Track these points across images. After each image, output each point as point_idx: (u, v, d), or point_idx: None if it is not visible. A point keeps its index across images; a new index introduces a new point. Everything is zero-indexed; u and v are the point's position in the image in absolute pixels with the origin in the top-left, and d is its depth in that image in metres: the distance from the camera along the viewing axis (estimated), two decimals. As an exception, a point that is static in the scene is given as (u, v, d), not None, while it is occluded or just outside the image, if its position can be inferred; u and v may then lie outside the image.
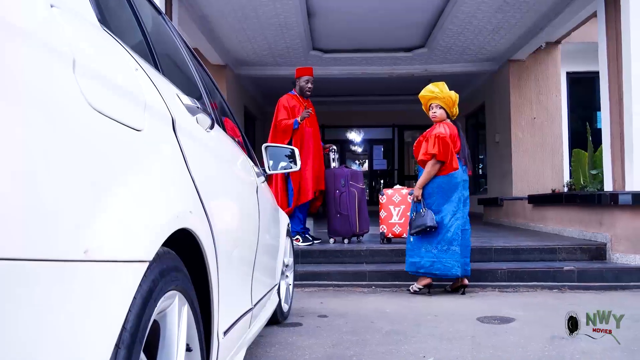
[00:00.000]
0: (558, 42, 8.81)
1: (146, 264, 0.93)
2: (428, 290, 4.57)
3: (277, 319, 3.43)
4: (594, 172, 7.07)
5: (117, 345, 0.82)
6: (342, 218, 5.99)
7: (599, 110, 6.71)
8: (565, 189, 8.34)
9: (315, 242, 6.07)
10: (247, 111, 11.49)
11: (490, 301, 4.39)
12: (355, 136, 16.35)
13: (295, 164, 3.12)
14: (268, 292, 2.73)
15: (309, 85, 6.04)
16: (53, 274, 0.71)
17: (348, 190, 5.95)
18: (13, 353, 0.63)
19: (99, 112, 0.89)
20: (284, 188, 5.87)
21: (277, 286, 3.16)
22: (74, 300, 0.75)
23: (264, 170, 2.90)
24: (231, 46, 8.85)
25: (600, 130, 6.61)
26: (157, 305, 0.98)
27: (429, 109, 4.59)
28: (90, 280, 0.79)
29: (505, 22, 7.85)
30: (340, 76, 10.27)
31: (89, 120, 0.86)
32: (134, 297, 0.88)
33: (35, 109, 0.74)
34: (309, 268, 5.30)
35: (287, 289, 3.69)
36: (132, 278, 0.89)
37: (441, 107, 4.53)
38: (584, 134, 7.96)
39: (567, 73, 9.73)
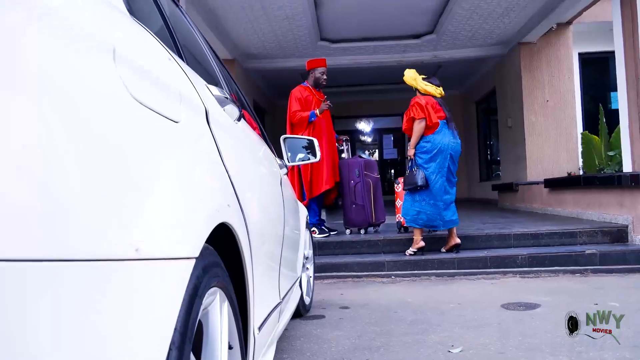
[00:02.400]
0: (569, 22, 8.68)
1: (193, 261, 0.90)
2: (422, 253, 5.20)
3: (300, 311, 3.41)
4: (611, 153, 6.99)
5: (169, 347, 0.78)
6: (358, 208, 5.95)
7: (613, 90, 6.61)
8: (581, 172, 8.25)
9: (331, 233, 6.04)
10: (256, 105, 11.45)
11: (512, 287, 4.34)
12: (364, 126, 16.26)
13: (314, 155, 3.07)
14: (292, 286, 2.70)
15: (324, 76, 6.02)
16: (107, 274, 0.67)
17: (363, 180, 5.91)
18: (73, 354, 0.59)
19: (141, 104, 0.85)
20: (300, 180, 5.83)
21: (299, 279, 3.13)
22: (128, 300, 0.71)
23: (284, 162, 2.86)
24: (239, 40, 8.80)
25: (615, 110, 6.51)
26: (202, 303, 0.95)
27: None
28: (142, 279, 0.76)
29: (515, 4, 7.73)
30: (348, 66, 10.19)
31: (132, 113, 0.83)
32: (183, 296, 0.85)
33: (82, 103, 0.70)
34: (327, 260, 5.27)
35: (308, 281, 3.66)
36: (181, 276, 0.86)
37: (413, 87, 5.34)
38: (598, 115, 7.85)
39: (579, 54, 9.59)
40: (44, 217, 0.58)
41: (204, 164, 1.14)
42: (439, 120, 5.04)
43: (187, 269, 0.88)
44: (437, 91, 5.21)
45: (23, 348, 0.52)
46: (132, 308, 0.72)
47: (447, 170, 5.03)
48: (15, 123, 0.56)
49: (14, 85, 0.58)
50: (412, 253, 5.21)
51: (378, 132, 16.53)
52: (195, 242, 0.92)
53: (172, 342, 0.79)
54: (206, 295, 0.98)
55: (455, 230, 5.20)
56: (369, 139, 17.42)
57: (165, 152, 0.93)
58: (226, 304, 1.12)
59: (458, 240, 5.24)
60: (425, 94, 5.20)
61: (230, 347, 1.16)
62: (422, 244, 5.17)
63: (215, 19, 7.75)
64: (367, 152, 18.03)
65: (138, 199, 0.79)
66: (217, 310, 1.07)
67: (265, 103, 12.52)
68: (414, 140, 5.10)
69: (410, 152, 5.15)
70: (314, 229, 5.84)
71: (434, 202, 4.97)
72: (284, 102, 13.61)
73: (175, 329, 0.80)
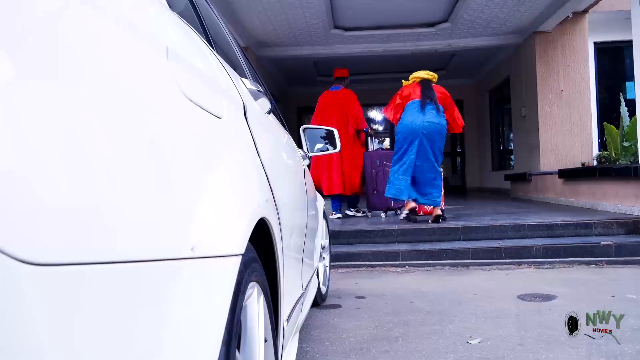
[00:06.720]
0: (585, 11, 8.55)
1: (240, 258, 0.90)
2: (415, 215, 5.97)
3: (317, 301, 3.42)
4: (626, 144, 6.92)
5: (220, 343, 0.79)
6: (379, 194, 6.71)
7: (629, 80, 6.52)
8: (595, 163, 8.19)
9: (368, 214, 7.10)
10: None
11: (527, 278, 4.33)
12: (377, 114, 16.21)
13: (334, 146, 3.06)
14: (312, 276, 2.72)
15: None
16: (167, 273, 0.68)
17: (382, 169, 6.74)
18: (132, 354, 0.60)
19: (191, 101, 0.85)
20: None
21: (317, 269, 3.14)
22: (185, 299, 0.71)
23: (306, 153, 2.87)
24: (252, 28, 8.77)
25: (630, 100, 6.43)
26: (245, 298, 0.96)
27: None
28: (197, 277, 0.76)
29: (531, -7, 7.66)
30: (361, 54, 10.13)
31: (184, 110, 0.82)
32: (232, 292, 0.85)
33: (141, 104, 0.70)
34: (341, 249, 5.28)
35: (325, 270, 3.67)
36: (230, 272, 0.86)
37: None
38: (613, 105, 7.77)
39: (595, 43, 9.48)
40: (111, 219, 0.58)
41: (246, 159, 1.14)
42: (401, 110, 5.79)
43: (235, 265, 0.88)
44: (430, 75, 5.86)
45: (88, 345, 0.53)
46: (188, 307, 0.72)
47: (425, 150, 5.55)
48: (77, 124, 0.56)
49: (76, 86, 0.58)
50: (405, 215, 5.96)
51: (390, 121, 16.42)
52: (241, 239, 0.93)
53: (222, 339, 0.80)
54: (247, 290, 0.99)
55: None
56: (380, 127, 17.34)
57: (213, 149, 0.94)
58: (262, 298, 1.13)
59: (438, 212, 5.77)
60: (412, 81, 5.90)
61: (265, 340, 1.17)
62: (412, 204, 5.89)
63: (228, 7, 7.73)
64: (377, 140, 17.94)
65: (192, 196, 0.79)
66: (254, 304, 1.07)
67: (277, 91, 12.50)
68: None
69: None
70: (357, 208, 7.24)
71: (403, 177, 5.66)
72: (296, 90, 13.59)
73: (225, 325, 0.81)
